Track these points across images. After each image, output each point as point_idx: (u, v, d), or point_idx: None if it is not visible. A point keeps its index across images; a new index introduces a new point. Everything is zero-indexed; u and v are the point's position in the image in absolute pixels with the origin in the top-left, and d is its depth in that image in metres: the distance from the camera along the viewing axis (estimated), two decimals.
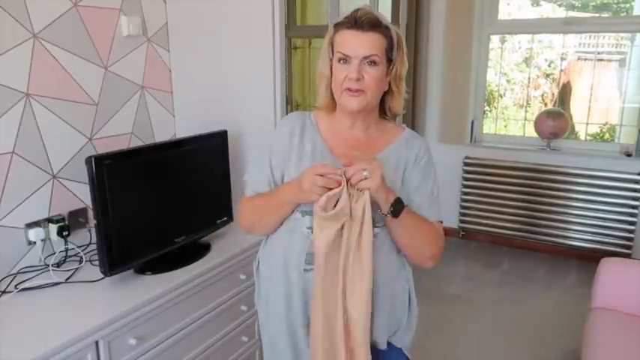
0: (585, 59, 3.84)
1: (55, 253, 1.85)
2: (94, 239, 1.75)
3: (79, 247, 1.90)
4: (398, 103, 1.26)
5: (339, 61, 1.17)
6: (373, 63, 1.15)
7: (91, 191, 1.59)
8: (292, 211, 1.22)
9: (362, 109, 1.19)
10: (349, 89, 1.16)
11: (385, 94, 1.24)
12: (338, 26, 1.19)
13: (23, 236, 1.80)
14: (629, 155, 3.43)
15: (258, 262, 1.38)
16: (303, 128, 1.27)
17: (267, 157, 1.28)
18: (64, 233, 1.85)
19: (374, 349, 1.25)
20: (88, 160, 1.57)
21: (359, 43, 1.14)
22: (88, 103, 2.01)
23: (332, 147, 1.25)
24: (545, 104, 4.03)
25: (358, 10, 1.17)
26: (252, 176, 1.32)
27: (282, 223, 1.26)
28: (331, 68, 1.21)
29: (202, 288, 1.84)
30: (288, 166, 1.25)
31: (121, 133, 2.16)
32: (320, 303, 1.15)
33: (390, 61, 1.19)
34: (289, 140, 1.26)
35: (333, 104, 1.25)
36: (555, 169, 3.59)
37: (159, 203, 1.85)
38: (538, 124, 3.71)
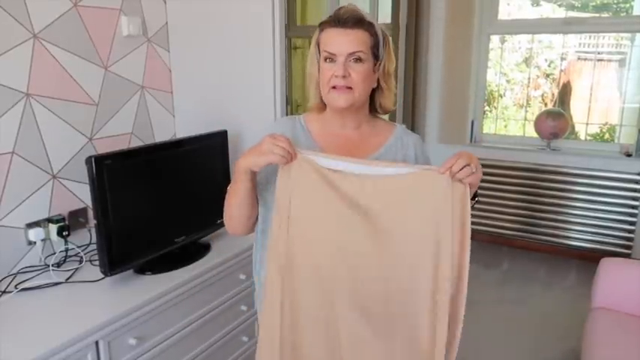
0: (585, 59, 3.83)
1: (55, 253, 1.85)
2: (94, 239, 1.75)
3: (79, 247, 1.90)
4: (388, 100, 1.26)
5: (325, 59, 1.17)
6: (359, 60, 1.15)
7: (91, 191, 1.59)
8: (249, 185, 1.17)
9: (350, 106, 1.18)
10: (335, 87, 1.16)
11: (374, 91, 1.24)
12: (323, 25, 1.19)
13: (23, 236, 1.80)
14: (629, 155, 3.43)
15: (257, 266, 1.36)
16: (294, 133, 1.26)
17: None
18: (64, 233, 1.85)
19: None
20: (88, 160, 1.57)
21: (343, 41, 1.14)
22: (88, 103, 2.01)
23: (325, 149, 1.24)
24: (545, 104, 4.02)
25: (341, 8, 1.17)
26: None
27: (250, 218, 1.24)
28: (319, 68, 1.20)
29: (202, 288, 1.84)
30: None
31: (121, 133, 2.16)
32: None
33: (376, 57, 1.18)
34: None
35: (323, 104, 1.25)
36: (555, 169, 3.59)
37: (159, 203, 1.85)
38: (538, 124, 3.71)
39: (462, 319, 1.13)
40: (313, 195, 1.13)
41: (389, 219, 1.12)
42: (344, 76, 1.14)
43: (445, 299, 1.10)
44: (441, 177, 1.08)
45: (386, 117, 1.40)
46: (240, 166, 1.14)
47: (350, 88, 1.15)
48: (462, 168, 1.06)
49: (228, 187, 1.25)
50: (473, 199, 1.14)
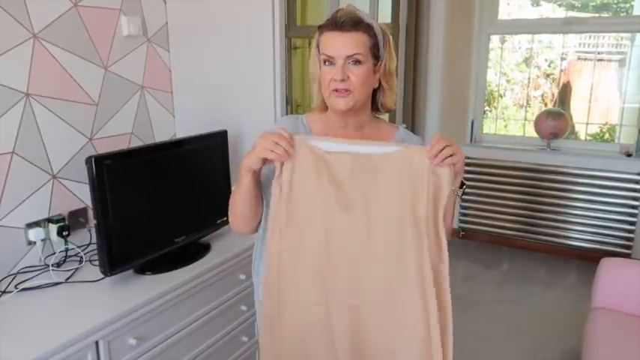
0: (585, 59, 3.84)
1: (55, 253, 1.85)
2: (94, 239, 1.75)
3: (79, 247, 1.89)
4: (390, 99, 1.27)
5: (325, 62, 1.18)
6: (357, 62, 1.15)
7: (91, 191, 1.59)
8: (251, 184, 1.20)
9: (350, 109, 1.19)
10: (336, 90, 1.17)
11: (376, 90, 1.24)
12: (321, 28, 1.19)
13: (23, 236, 1.80)
14: (629, 155, 3.43)
15: (257, 263, 1.37)
16: (295, 132, 1.27)
17: None
18: (64, 233, 1.85)
19: None
20: (88, 160, 1.57)
21: (341, 44, 1.15)
22: (88, 103, 2.01)
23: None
24: (545, 104, 4.02)
25: (339, 10, 1.17)
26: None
27: (255, 214, 1.26)
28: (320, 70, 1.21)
29: (202, 288, 1.84)
30: None
31: (121, 133, 2.16)
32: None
33: (376, 58, 1.19)
34: None
35: (325, 104, 1.26)
36: (555, 169, 3.59)
37: (159, 203, 1.85)
38: (538, 124, 3.72)
39: (450, 307, 1.14)
40: (310, 177, 1.15)
41: (377, 196, 1.14)
42: (343, 80, 1.15)
43: (431, 284, 1.11)
44: (424, 159, 1.10)
45: (386, 117, 1.40)
46: (242, 166, 1.18)
47: (349, 90, 1.16)
48: (443, 149, 1.08)
49: (233, 186, 1.27)
50: (460, 187, 1.15)
